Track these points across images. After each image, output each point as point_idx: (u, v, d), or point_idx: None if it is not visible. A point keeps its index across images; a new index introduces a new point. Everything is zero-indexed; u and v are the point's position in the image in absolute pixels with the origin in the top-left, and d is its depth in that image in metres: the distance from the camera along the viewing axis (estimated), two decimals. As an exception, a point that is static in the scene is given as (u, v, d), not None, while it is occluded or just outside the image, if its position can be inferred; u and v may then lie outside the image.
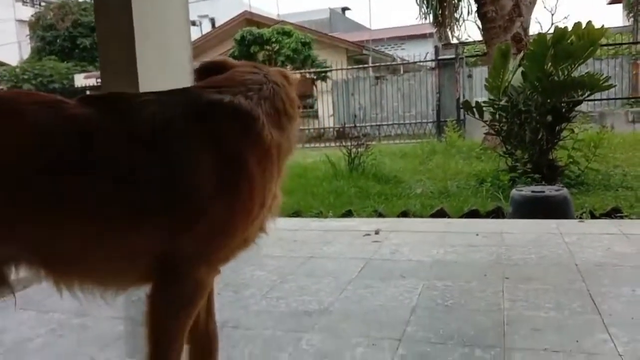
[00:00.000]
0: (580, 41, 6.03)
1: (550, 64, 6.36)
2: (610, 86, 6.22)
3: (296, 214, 5.40)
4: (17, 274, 1.44)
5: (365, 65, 19.84)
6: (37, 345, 2.35)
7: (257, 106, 1.60)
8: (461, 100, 14.16)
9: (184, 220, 1.45)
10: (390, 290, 2.85)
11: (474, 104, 7.17)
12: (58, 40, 27.73)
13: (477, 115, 7.14)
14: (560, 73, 6.29)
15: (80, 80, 22.31)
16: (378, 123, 16.35)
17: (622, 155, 8.40)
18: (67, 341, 2.39)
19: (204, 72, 1.82)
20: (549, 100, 6.39)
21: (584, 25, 6.06)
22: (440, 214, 5.17)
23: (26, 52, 30.25)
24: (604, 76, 5.99)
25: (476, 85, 15.32)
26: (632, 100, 14.19)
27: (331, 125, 17.41)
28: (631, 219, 4.63)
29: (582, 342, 2.13)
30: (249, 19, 23.23)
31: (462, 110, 13.18)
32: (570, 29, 6.17)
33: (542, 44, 6.28)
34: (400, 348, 2.16)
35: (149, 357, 1.51)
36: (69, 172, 1.38)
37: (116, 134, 1.43)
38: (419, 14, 14.23)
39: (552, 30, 7.32)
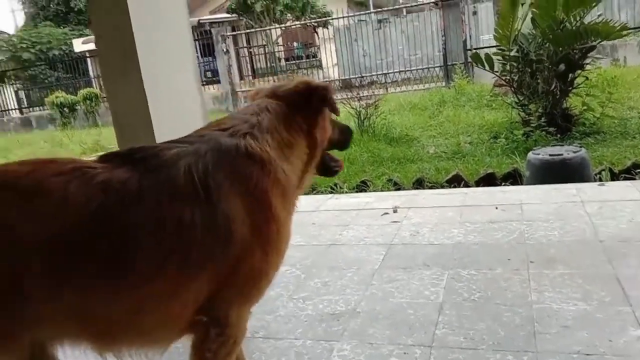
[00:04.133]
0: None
1: (561, 9, 6.14)
2: (625, 30, 6.01)
3: (311, 187, 5.38)
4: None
5: (367, 12, 19.23)
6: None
7: (265, 144, 1.60)
8: (468, 42, 13.80)
9: (228, 269, 1.46)
10: (414, 282, 2.86)
11: (480, 45, 7.01)
12: (52, 5, 27.13)
13: (487, 67, 6.98)
14: (572, 19, 6.08)
15: (79, 45, 21.93)
16: (384, 72, 15.99)
17: (637, 94, 8.22)
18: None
19: None
20: (561, 49, 6.20)
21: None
22: (456, 178, 5.13)
23: (21, 19, 29.71)
24: (618, 23, 5.76)
25: (481, 23, 14.86)
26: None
27: (336, 75, 17.09)
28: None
29: (614, 340, 2.13)
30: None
31: (469, 52, 12.86)
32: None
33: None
34: (432, 357, 2.17)
35: None
36: (115, 243, 1.35)
37: (157, 194, 1.40)
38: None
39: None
